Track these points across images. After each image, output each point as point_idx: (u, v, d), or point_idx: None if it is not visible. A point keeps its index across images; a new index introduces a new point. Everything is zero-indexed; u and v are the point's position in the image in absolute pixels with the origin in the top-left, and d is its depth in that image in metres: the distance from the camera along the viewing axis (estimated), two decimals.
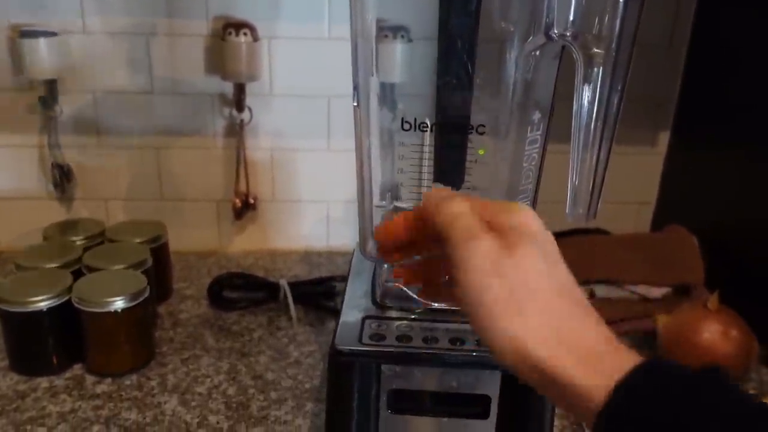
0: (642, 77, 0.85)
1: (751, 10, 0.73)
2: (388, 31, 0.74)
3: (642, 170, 0.90)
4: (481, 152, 0.43)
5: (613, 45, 0.34)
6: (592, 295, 0.74)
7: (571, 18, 0.35)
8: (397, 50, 0.73)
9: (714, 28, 0.80)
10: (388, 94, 0.54)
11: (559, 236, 0.84)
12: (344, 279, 0.78)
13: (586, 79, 0.35)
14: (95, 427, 0.56)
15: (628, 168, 0.89)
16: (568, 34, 0.36)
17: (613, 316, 0.72)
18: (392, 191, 0.46)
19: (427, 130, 0.39)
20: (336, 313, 0.73)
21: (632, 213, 0.92)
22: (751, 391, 0.61)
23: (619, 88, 0.35)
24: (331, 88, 0.83)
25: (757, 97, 0.70)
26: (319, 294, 0.77)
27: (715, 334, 0.61)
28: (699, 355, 0.62)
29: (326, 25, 0.81)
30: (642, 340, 0.71)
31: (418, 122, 0.39)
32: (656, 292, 0.74)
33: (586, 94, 0.35)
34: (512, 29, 0.38)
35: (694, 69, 0.84)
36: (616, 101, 0.35)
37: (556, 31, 0.36)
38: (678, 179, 0.88)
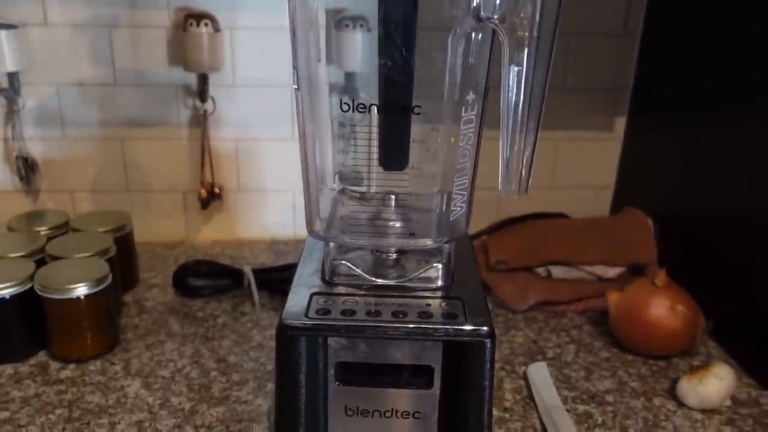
0: (598, 65, 0.87)
1: None
2: (348, 20, 0.76)
3: (601, 156, 0.92)
4: (452, 140, 0.44)
5: (536, 26, 0.35)
6: (549, 276, 0.76)
7: (498, 2, 0.37)
8: (357, 39, 0.75)
9: (667, 13, 0.82)
10: (350, 82, 0.56)
11: (519, 219, 0.86)
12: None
13: (512, 61, 0.36)
14: (58, 411, 0.57)
15: (587, 154, 0.91)
16: (495, 17, 0.37)
17: (570, 295, 0.74)
18: (340, 174, 0.47)
19: (365, 111, 0.40)
20: None
21: (592, 197, 0.94)
22: (696, 363, 0.63)
23: (544, 68, 0.36)
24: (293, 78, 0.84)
25: (710, 82, 0.72)
26: (283, 280, 0.78)
27: (662, 309, 0.63)
28: (647, 330, 0.64)
29: (287, 15, 0.82)
30: (597, 318, 0.73)
31: (356, 103, 0.40)
32: (611, 272, 0.76)
33: (513, 74, 0.37)
34: (446, 14, 0.40)
35: (649, 55, 0.86)
36: (541, 81, 0.36)
37: (483, 14, 0.38)
38: (635, 164, 0.90)
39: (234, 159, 0.88)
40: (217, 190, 0.87)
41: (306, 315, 0.42)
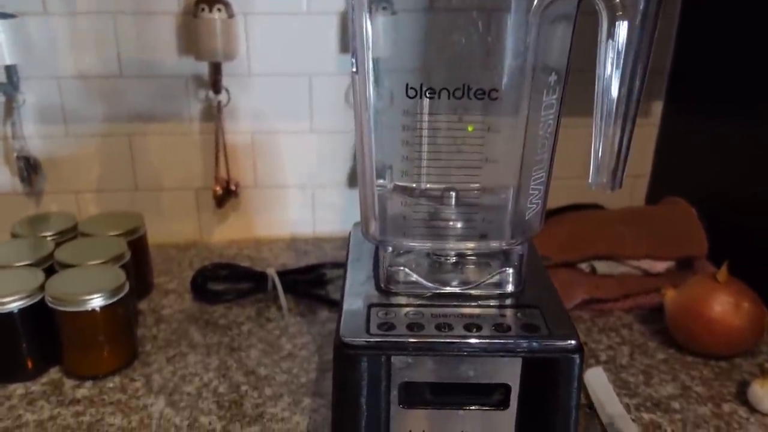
0: (651, 57, 0.82)
1: None
2: (374, 3, 0.70)
3: (636, 142, 0.87)
4: (470, 128, 0.39)
5: None
6: (593, 272, 0.71)
7: None
8: (379, 23, 0.69)
9: None
10: (382, 76, 0.51)
11: (554, 213, 0.81)
12: (334, 266, 0.75)
13: (610, 35, 0.31)
14: None
15: None
16: None
17: (617, 292, 0.70)
18: (391, 170, 0.42)
19: (434, 97, 0.35)
20: (328, 302, 0.70)
21: (626, 187, 0.89)
22: (764, 363, 0.59)
23: (648, 45, 0.31)
24: (311, 66, 0.79)
25: (748, 64, 0.68)
26: (308, 282, 0.73)
27: (726, 306, 0.59)
28: (710, 329, 0.60)
29: None
30: (647, 315, 0.69)
31: (424, 88, 0.35)
32: (659, 266, 0.72)
33: (610, 53, 0.32)
34: None
35: (686, 38, 0.81)
36: (643, 60, 0.31)
37: None
38: (673, 150, 0.85)
39: (250, 154, 0.83)
40: (233, 187, 0.81)
41: (367, 331, 0.37)
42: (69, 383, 0.58)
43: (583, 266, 0.72)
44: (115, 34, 0.76)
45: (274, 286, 0.71)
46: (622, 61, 0.32)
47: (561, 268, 0.72)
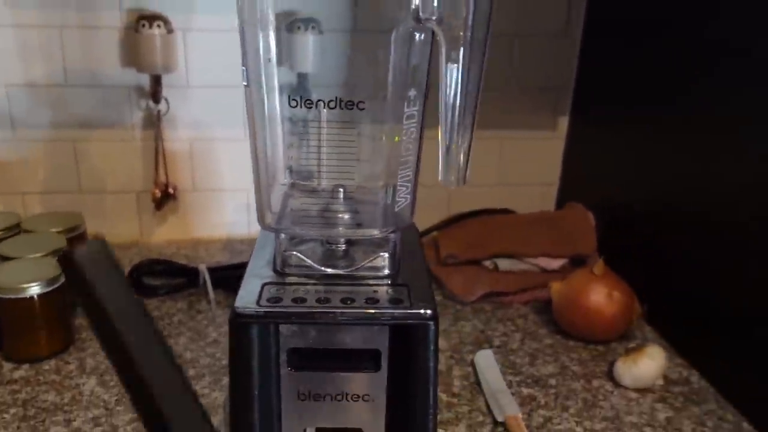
0: (540, 65, 0.91)
1: None
2: (299, 23, 0.78)
3: (545, 153, 0.96)
4: (396, 139, 0.47)
5: (469, 27, 0.38)
6: (496, 269, 0.79)
7: (435, 3, 0.40)
8: (308, 41, 0.77)
9: (606, 14, 0.86)
10: (302, 83, 0.58)
11: (467, 216, 0.89)
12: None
13: (449, 59, 0.39)
14: (12, 410, 0.57)
15: (532, 152, 0.95)
16: (433, 18, 0.40)
17: (515, 286, 0.77)
18: (290, 169, 0.49)
19: (312, 107, 0.42)
20: None
21: (538, 194, 0.98)
22: (632, 345, 0.67)
23: (478, 66, 0.39)
24: None
25: (648, 80, 0.76)
26: (239, 278, 0.78)
27: (600, 296, 0.67)
28: (587, 316, 0.68)
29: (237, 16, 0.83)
30: (542, 307, 0.76)
31: (303, 99, 0.42)
32: (554, 263, 0.80)
33: (449, 72, 0.39)
34: (388, 15, 0.42)
35: (589, 55, 0.90)
36: (475, 78, 0.39)
37: (423, 15, 0.40)
38: (578, 161, 0.94)
39: (188, 159, 0.89)
40: (171, 191, 0.87)
41: (257, 303, 0.44)
42: (7, 366, 0.63)
43: (487, 263, 0.80)
44: (62, 46, 0.82)
45: (205, 281, 0.77)
46: (459, 80, 0.39)
47: (467, 264, 0.79)
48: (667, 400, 0.61)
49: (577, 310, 0.68)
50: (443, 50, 0.39)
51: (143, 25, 0.79)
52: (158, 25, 0.79)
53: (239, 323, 0.43)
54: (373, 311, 0.43)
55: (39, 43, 0.81)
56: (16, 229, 0.74)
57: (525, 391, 0.62)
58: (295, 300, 0.44)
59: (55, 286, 0.64)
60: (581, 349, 0.69)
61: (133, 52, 0.82)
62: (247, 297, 0.44)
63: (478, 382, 0.63)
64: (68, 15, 0.81)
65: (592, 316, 0.67)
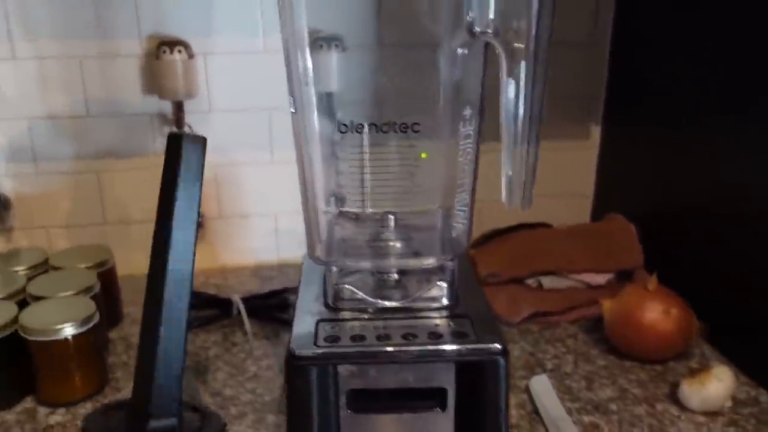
0: (570, 75, 0.88)
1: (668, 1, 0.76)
2: (322, 41, 0.75)
3: (578, 164, 0.93)
4: (423, 155, 0.44)
5: (532, 38, 0.35)
6: (540, 287, 0.76)
7: (491, 15, 0.37)
8: (332, 60, 0.74)
9: (633, 21, 0.84)
10: (325, 103, 0.55)
11: (504, 232, 0.86)
12: (297, 290, 0.79)
13: (510, 73, 0.36)
14: None
15: (564, 162, 0.92)
16: (489, 30, 0.37)
17: (562, 305, 0.74)
18: (336, 196, 0.46)
19: (362, 132, 0.40)
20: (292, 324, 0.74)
21: (571, 206, 0.95)
22: (695, 366, 0.64)
23: (542, 79, 0.36)
24: (270, 101, 0.84)
25: (678, 85, 0.74)
26: (273, 307, 0.77)
27: (656, 313, 0.64)
28: (643, 335, 0.64)
29: (261, 39, 0.82)
30: (590, 326, 0.73)
31: (354, 124, 0.40)
32: (600, 279, 0.77)
33: (512, 87, 0.37)
34: (439, 30, 0.40)
35: (619, 63, 0.87)
36: (539, 92, 0.37)
37: (477, 29, 0.38)
38: (612, 170, 0.91)
39: (214, 186, 0.87)
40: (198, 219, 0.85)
41: (315, 343, 0.41)
42: (42, 411, 0.61)
43: (530, 282, 0.77)
44: (82, 77, 0.80)
45: (239, 312, 0.74)
46: (522, 96, 0.37)
47: (510, 284, 0.76)
48: (738, 423, 0.58)
49: (632, 329, 0.65)
50: (503, 65, 0.36)
51: (164, 51, 0.77)
52: (179, 51, 0.77)
53: (297, 366, 0.40)
54: (437, 347, 0.41)
55: (59, 74, 0.79)
56: (44, 267, 0.72)
57: (586, 418, 0.59)
58: (353, 338, 0.41)
59: (90, 325, 0.61)
60: (638, 370, 0.66)
61: (154, 79, 0.80)
62: (303, 337, 0.42)
63: (535, 411, 0.60)
64: (87, 44, 0.79)
65: (648, 334, 0.64)
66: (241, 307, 0.73)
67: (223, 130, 0.84)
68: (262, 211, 0.89)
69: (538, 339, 0.72)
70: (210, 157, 0.84)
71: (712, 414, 0.59)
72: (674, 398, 0.61)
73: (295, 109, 0.41)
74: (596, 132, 0.91)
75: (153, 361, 0.40)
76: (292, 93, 0.41)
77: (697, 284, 0.69)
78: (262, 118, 0.85)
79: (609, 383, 0.64)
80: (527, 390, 0.63)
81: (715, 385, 0.58)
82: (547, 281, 0.76)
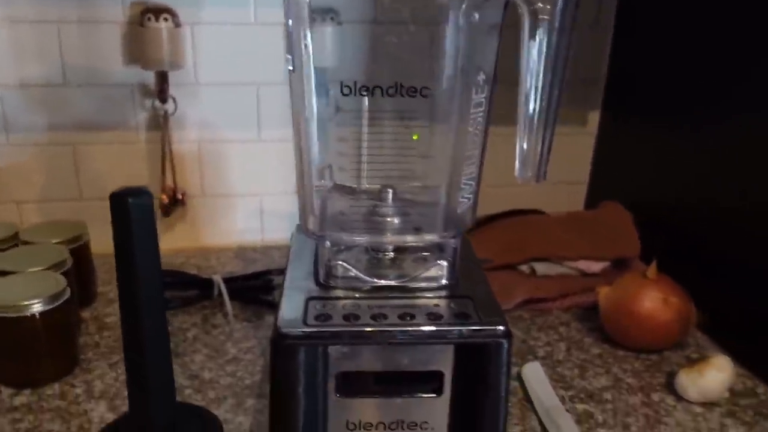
0: (570, 58, 0.86)
1: None
2: (316, 14, 0.72)
3: (574, 150, 0.91)
4: (414, 137, 0.41)
5: None
6: (533, 273, 0.74)
7: None
8: (327, 33, 0.71)
9: (638, 5, 0.82)
10: (319, 78, 0.52)
11: (497, 217, 0.84)
12: (281, 272, 0.75)
13: (532, 35, 0.34)
14: None
15: (560, 148, 0.89)
16: None
17: (555, 292, 0.72)
18: (330, 169, 0.43)
19: (367, 95, 0.37)
20: (275, 306, 0.71)
21: (565, 193, 0.93)
22: (693, 356, 0.62)
23: (565, 44, 0.34)
24: (259, 76, 0.80)
25: (680, 75, 0.72)
26: (255, 289, 0.73)
27: (655, 301, 0.62)
28: (641, 324, 0.62)
29: (252, 10, 0.78)
30: (583, 314, 0.71)
31: (358, 86, 0.37)
32: (595, 267, 0.74)
33: (533, 51, 0.34)
34: None
35: (621, 49, 0.85)
36: (562, 58, 0.34)
37: None
38: (609, 158, 0.89)
39: (197, 163, 0.83)
40: (179, 196, 0.81)
41: (304, 322, 0.38)
42: (6, 392, 0.57)
43: (524, 268, 0.74)
44: (59, 43, 0.76)
45: (220, 293, 0.71)
46: (543, 60, 0.34)
47: (502, 269, 0.74)
48: (736, 415, 0.56)
49: (629, 318, 0.63)
50: (525, 25, 0.34)
51: (149, 19, 0.73)
52: (165, 18, 0.73)
53: (284, 345, 0.37)
54: (437, 328, 0.38)
55: (35, 40, 0.75)
56: (13, 241, 0.68)
57: (580, 407, 0.57)
58: (346, 317, 0.38)
59: (60, 302, 0.57)
60: (633, 359, 0.64)
61: (137, 47, 0.76)
62: (291, 315, 0.39)
63: (527, 399, 0.58)
64: (66, 9, 0.75)
65: (646, 323, 0.62)
66: (223, 287, 0.70)
67: (209, 105, 0.81)
68: (247, 191, 0.86)
69: (530, 326, 0.69)
70: (195, 132, 0.81)
71: (709, 405, 0.57)
72: (670, 388, 0.59)
73: (293, 66, 0.38)
74: (594, 118, 0.89)
75: (146, 383, 0.37)
76: (290, 50, 0.38)
77: (694, 274, 0.67)
78: (250, 93, 0.81)
79: (603, 372, 0.62)
80: (519, 377, 0.60)
81: (714, 375, 0.56)
82: (541, 268, 0.74)
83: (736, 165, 0.64)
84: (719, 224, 0.67)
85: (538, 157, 0.35)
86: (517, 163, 0.36)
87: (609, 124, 0.88)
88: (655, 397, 0.58)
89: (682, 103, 0.72)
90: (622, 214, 0.79)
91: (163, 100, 0.78)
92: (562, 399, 0.58)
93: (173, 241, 0.86)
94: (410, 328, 0.38)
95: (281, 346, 0.38)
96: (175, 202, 0.81)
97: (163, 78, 0.77)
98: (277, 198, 0.86)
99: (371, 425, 0.40)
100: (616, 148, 0.87)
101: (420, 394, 0.40)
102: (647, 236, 0.76)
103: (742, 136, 0.63)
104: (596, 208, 0.84)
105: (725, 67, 0.64)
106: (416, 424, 0.40)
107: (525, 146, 0.35)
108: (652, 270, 0.63)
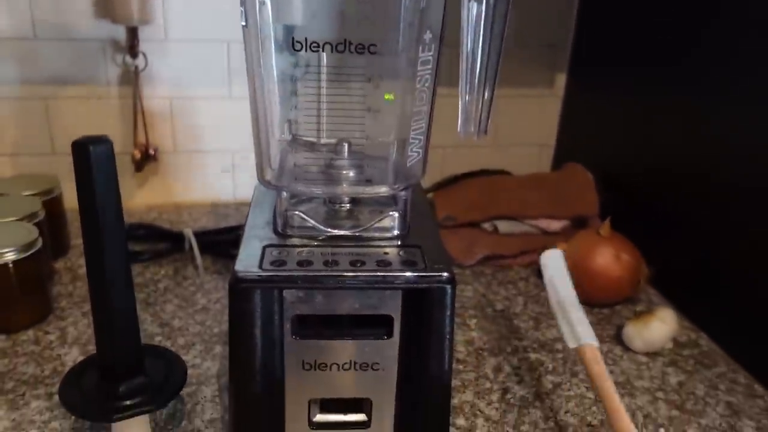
0: (537, 20, 0.87)
1: None
2: None
3: (541, 113, 0.93)
4: (387, 97, 0.43)
5: None
6: (495, 231, 0.76)
7: None
8: None
9: None
10: (287, 37, 0.53)
11: (464, 177, 0.86)
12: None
13: None
14: None
15: (527, 111, 0.92)
16: None
17: (516, 249, 0.75)
18: (290, 121, 0.45)
19: (318, 50, 0.38)
20: None
21: (534, 155, 0.95)
22: (640, 309, 0.65)
23: (505, 1, 0.35)
24: (229, 33, 0.81)
25: (647, 37, 0.73)
26: (226, 243, 0.75)
27: (607, 257, 0.65)
28: (593, 279, 0.65)
29: None
30: None
31: (309, 42, 0.38)
32: (555, 225, 0.77)
33: (473, 8, 0.35)
34: None
35: (588, 11, 0.86)
36: (501, 15, 0.35)
37: None
38: (576, 120, 0.91)
39: (168, 118, 0.84)
40: (152, 152, 0.82)
41: (260, 266, 0.40)
42: None
43: (487, 226, 0.77)
44: None
45: (191, 246, 0.73)
46: (483, 19, 0.35)
47: (466, 227, 0.77)
48: (678, 364, 0.59)
49: (582, 273, 0.65)
50: None
51: None
52: None
53: (241, 288, 0.40)
54: (385, 274, 0.40)
55: None
56: None
57: (532, 356, 0.60)
58: (300, 263, 0.41)
59: (32, 251, 0.59)
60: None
61: (107, 2, 0.76)
62: (248, 260, 0.41)
63: (483, 347, 0.61)
64: None
65: (598, 278, 0.65)
66: (193, 241, 0.72)
67: (180, 61, 0.81)
68: (218, 148, 0.87)
69: (491, 281, 0.72)
70: (166, 88, 0.82)
71: (653, 354, 0.60)
72: (619, 340, 0.62)
73: (246, 22, 0.39)
74: (561, 80, 0.91)
75: (112, 325, 0.39)
76: (244, 7, 0.39)
77: (647, 232, 0.70)
78: (221, 49, 0.82)
79: (555, 324, 0.65)
80: (477, 329, 0.63)
81: (657, 326, 0.59)
82: (503, 226, 0.76)
83: (696, 128, 0.66)
84: (672, 185, 0.70)
85: (479, 114, 0.37)
86: (459, 120, 0.37)
87: (575, 87, 0.90)
88: (604, 347, 0.61)
89: (648, 67, 0.73)
90: (583, 175, 0.81)
91: (134, 56, 0.78)
92: (515, 349, 0.61)
93: (146, 197, 0.87)
94: (360, 274, 0.40)
95: (238, 289, 0.40)
96: (147, 158, 0.82)
97: (133, 33, 0.77)
98: (249, 155, 0.87)
99: (326, 365, 0.43)
100: (583, 110, 0.89)
101: (371, 337, 0.42)
102: (608, 197, 0.79)
103: (703, 100, 0.65)
104: (560, 169, 0.87)
105: (690, 31, 0.66)
106: (368, 365, 0.43)
107: (466, 103, 0.37)
108: (605, 228, 0.66)
